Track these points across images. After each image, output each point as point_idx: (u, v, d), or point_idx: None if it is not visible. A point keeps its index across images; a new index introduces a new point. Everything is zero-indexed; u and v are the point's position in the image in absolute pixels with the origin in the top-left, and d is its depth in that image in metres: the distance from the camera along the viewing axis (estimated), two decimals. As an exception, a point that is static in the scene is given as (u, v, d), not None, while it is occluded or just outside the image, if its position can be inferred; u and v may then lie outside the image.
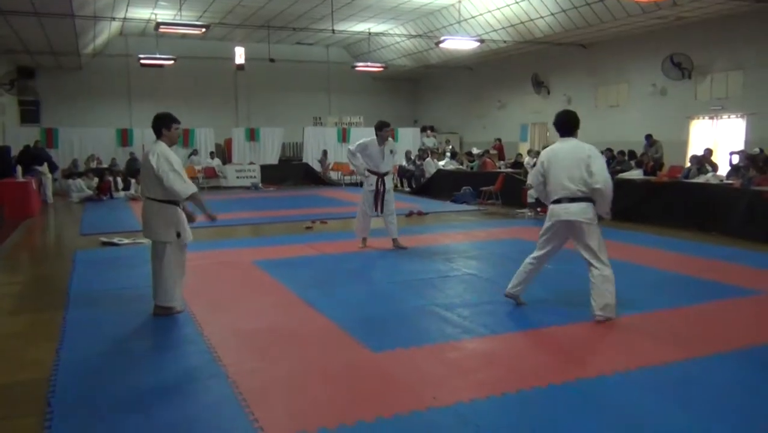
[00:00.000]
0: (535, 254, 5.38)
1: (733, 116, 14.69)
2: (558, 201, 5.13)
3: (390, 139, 8.52)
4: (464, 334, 4.79)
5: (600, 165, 5.04)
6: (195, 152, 20.09)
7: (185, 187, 5.16)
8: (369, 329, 4.93)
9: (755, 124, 14.01)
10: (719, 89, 14.85)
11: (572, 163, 5.05)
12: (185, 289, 5.83)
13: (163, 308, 5.32)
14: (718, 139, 14.93)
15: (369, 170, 8.36)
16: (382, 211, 8.38)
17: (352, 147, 8.45)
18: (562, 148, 5.16)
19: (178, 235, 5.25)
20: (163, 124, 5.30)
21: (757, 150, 11.47)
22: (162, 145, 5.23)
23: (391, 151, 8.41)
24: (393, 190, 8.53)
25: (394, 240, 8.49)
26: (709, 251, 8.33)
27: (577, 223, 5.06)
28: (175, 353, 4.48)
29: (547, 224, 5.26)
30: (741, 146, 13.64)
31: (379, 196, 8.31)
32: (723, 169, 12.01)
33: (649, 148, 14.28)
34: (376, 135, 8.31)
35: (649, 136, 14.58)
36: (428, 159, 17.89)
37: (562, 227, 5.15)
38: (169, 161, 5.12)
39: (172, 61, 19.31)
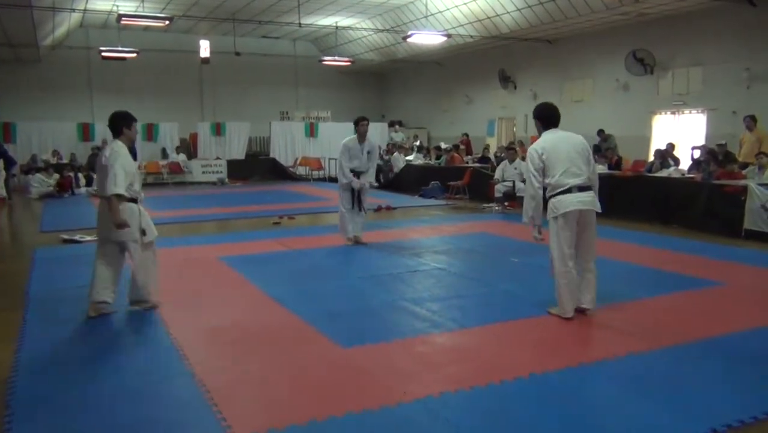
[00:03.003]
0: (570, 262, 4.95)
1: (694, 111, 15.02)
2: (567, 191, 4.87)
3: (369, 138, 8.36)
4: (433, 328, 4.81)
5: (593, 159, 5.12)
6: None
7: (113, 187, 4.93)
8: (338, 324, 4.91)
9: (715, 120, 14.34)
10: (680, 85, 15.16)
11: (575, 151, 4.94)
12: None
13: (139, 302, 5.35)
14: (680, 133, 15.25)
15: (351, 170, 8.19)
16: (359, 209, 8.27)
17: (339, 155, 8.27)
18: (560, 137, 4.99)
19: (143, 233, 5.19)
20: (124, 123, 5.22)
21: (723, 142, 11.65)
22: (119, 144, 5.16)
23: (368, 153, 8.18)
24: (370, 187, 8.38)
25: (356, 236, 8.39)
26: (671, 243, 8.50)
27: (589, 212, 4.93)
28: (140, 352, 4.40)
29: (560, 221, 4.88)
30: (702, 141, 13.95)
31: (355, 193, 8.22)
32: (685, 164, 12.25)
33: (603, 143, 14.63)
34: (355, 131, 8.21)
35: (601, 132, 15.12)
36: (395, 154, 17.89)
37: (574, 218, 4.90)
38: (120, 160, 5.00)
39: (134, 54, 18.93)
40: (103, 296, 5.20)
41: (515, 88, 20.28)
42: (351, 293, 5.98)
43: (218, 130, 21.11)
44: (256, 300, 5.70)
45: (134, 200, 5.18)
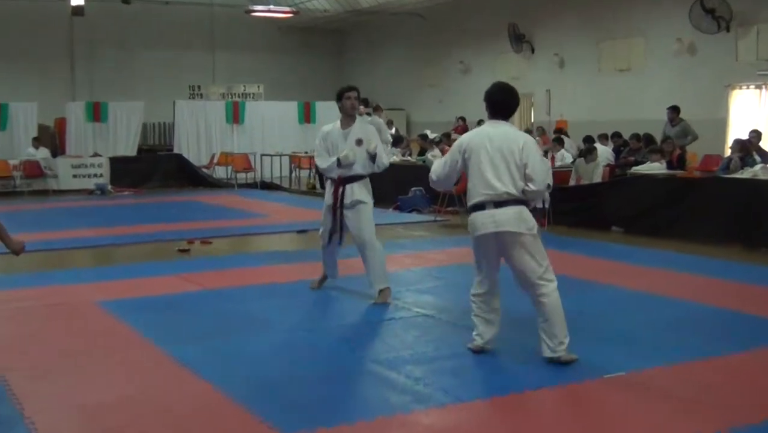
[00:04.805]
0: (477, 289, 5.69)
1: (788, 85, 15.31)
2: (480, 206, 5.44)
3: (365, 116, 7.90)
4: (416, 403, 4.80)
5: (538, 163, 5.47)
6: None
7: None
8: (276, 400, 4.88)
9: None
10: (768, 47, 15.46)
11: (501, 156, 5.40)
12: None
13: None
14: (768, 116, 15.51)
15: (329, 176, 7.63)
16: (341, 240, 7.62)
17: (317, 141, 7.70)
18: (494, 134, 5.52)
19: None
20: None
21: None
22: None
23: (359, 141, 7.44)
24: (367, 203, 7.54)
25: (380, 291, 7.43)
26: (757, 274, 8.61)
27: (510, 235, 5.37)
28: (-21, 446, 4.32)
29: (473, 244, 5.61)
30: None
31: (337, 216, 7.48)
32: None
33: (672, 129, 14.51)
34: (340, 111, 7.66)
35: (673, 110, 14.64)
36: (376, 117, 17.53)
37: (491, 240, 5.46)
38: None
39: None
40: None
41: (533, 51, 20.49)
42: (296, 352, 5.94)
43: (97, 113, 20.94)
44: (153, 364, 5.63)
45: None
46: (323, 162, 7.56)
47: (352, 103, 7.50)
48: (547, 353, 5.38)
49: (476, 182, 5.47)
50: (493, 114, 5.67)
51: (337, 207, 7.44)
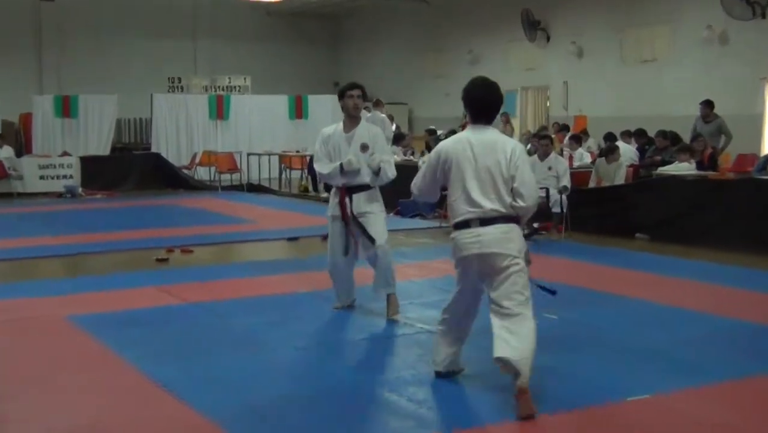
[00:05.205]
0: (445, 314, 5.67)
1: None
2: (465, 224, 5.29)
3: (365, 112, 7.85)
4: (419, 428, 4.81)
5: (527, 176, 5.29)
6: None
7: None
8: (263, 425, 4.88)
9: None
10: (808, 35, 15.49)
11: (486, 168, 5.23)
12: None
13: None
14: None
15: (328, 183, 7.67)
16: (356, 253, 7.56)
17: (317, 146, 7.68)
18: (477, 141, 5.34)
19: None
20: None
21: None
22: None
23: (364, 147, 7.44)
24: (376, 214, 7.50)
25: (388, 296, 7.60)
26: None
27: (495, 257, 5.18)
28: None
29: (456, 266, 5.48)
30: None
31: (348, 227, 7.43)
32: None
33: (705, 126, 14.39)
34: (342, 110, 7.67)
35: (707, 105, 14.51)
36: (376, 113, 17.47)
37: (475, 263, 5.29)
38: None
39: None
40: None
41: (548, 40, 20.47)
42: (287, 373, 5.96)
43: (66, 108, 20.92)
44: (130, 386, 5.63)
45: None
46: (324, 168, 7.48)
47: (354, 102, 7.46)
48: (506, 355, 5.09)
49: (459, 199, 5.32)
50: (474, 117, 5.48)
51: (349, 218, 7.35)
